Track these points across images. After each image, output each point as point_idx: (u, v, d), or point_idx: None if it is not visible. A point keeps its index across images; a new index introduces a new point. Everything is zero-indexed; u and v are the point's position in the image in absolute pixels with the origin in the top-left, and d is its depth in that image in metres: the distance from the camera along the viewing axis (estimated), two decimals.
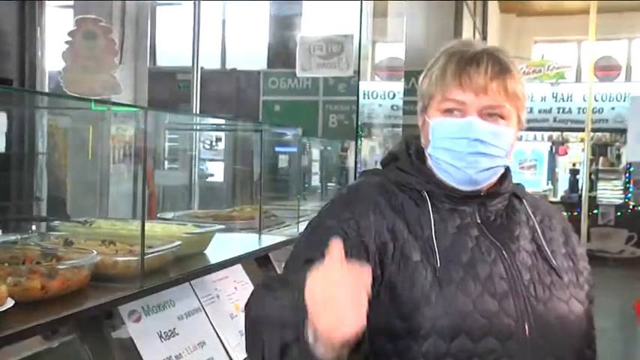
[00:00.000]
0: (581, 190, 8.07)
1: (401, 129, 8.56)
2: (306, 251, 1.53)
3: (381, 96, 10.53)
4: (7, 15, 6.21)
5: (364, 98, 9.85)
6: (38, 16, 6.40)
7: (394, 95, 9.95)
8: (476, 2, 12.83)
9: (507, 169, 1.65)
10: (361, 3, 5.73)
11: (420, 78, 1.62)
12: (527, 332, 1.42)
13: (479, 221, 1.56)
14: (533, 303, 1.46)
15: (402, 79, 8.87)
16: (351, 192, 1.68)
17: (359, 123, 6.93)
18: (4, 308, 1.81)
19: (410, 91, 8.47)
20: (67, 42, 5.90)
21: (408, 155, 1.64)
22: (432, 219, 1.52)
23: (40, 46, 6.48)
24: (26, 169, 5.64)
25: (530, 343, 1.42)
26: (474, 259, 1.48)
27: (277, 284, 1.50)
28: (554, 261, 1.55)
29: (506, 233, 1.56)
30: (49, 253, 2.41)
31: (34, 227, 3.69)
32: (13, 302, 1.86)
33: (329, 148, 8.07)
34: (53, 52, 6.41)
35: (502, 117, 1.51)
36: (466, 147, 1.48)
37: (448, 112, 1.52)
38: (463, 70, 1.49)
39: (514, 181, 1.69)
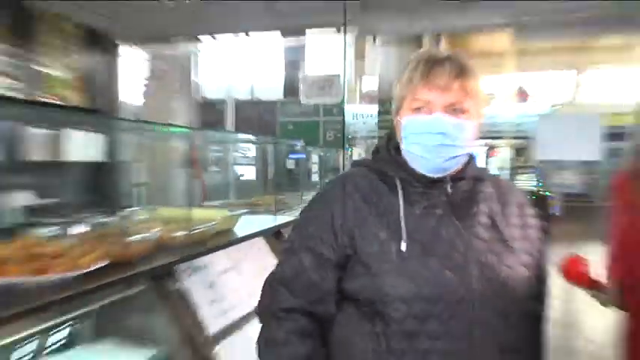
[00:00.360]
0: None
1: (376, 140, 8.65)
2: (296, 237, 1.44)
3: (365, 116, 10.53)
4: (101, 64, 6.24)
5: (353, 118, 9.90)
6: (122, 63, 6.45)
7: (375, 116, 10.01)
8: (431, 45, 12.76)
9: (472, 157, 1.44)
10: (344, 52, 5.81)
11: (394, 84, 1.42)
12: (476, 296, 1.26)
13: (447, 201, 1.36)
14: (483, 271, 1.28)
15: (377, 105, 9.00)
16: (333, 182, 1.49)
17: (346, 136, 7.03)
18: (101, 265, 1.89)
19: (382, 113, 8.53)
20: (143, 83, 6.03)
21: (387, 148, 1.44)
22: (400, 202, 1.35)
23: (124, 85, 6.51)
24: (117, 172, 5.68)
25: (479, 305, 1.26)
26: (435, 236, 1.31)
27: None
28: (505, 232, 1.36)
29: (467, 210, 1.37)
30: (123, 229, 2.48)
31: (124, 212, 3.78)
32: (108, 261, 1.93)
33: (328, 154, 8.13)
34: (133, 89, 6.48)
35: (463, 112, 1.31)
36: (433, 140, 1.30)
37: (417, 110, 1.32)
38: (429, 72, 1.30)
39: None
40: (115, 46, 6.38)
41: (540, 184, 10.71)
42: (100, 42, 6.17)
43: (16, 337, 1.78)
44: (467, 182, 1.40)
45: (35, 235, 2.08)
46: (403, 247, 1.29)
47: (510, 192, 1.47)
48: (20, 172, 5.32)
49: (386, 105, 8.87)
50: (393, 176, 1.39)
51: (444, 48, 13.64)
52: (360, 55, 9.51)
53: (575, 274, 1.90)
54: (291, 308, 1.37)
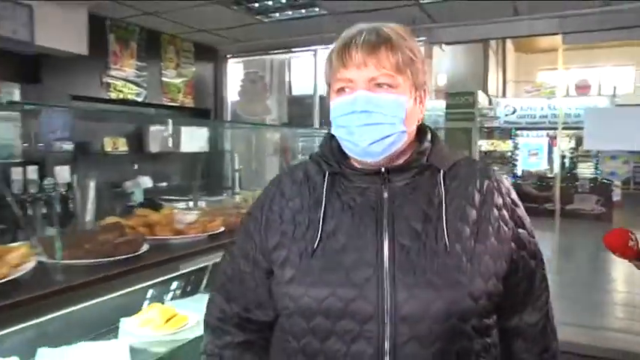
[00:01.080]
0: (557, 168, 8.00)
1: (443, 131, 8.77)
2: (238, 237, 1.22)
3: (437, 109, 10.58)
4: (207, 71, 6.74)
5: (427, 110, 10.06)
6: (224, 69, 6.89)
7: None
8: (498, 43, 12.66)
9: (430, 142, 1.13)
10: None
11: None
12: (386, 317, 0.98)
13: (386, 197, 1.07)
14: (402, 283, 0.99)
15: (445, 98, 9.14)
16: (274, 178, 1.24)
17: None
18: (220, 231, 2.26)
19: (450, 106, 8.62)
20: (240, 85, 6.51)
21: (330, 138, 1.16)
22: (323, 200, 1.09)
23: (225, 87, 6.96)
24: (219, 160, 6.09)
25: (392, 325, 0.98)
26: (351, 241, 1.04)
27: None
28: (446, 235, 1.02)
29: (402, 208, 1.06)
30: (234, 205, 2.85)
31: (224, 194, 4.22)
32: (223, 228, 2.30)
33: None
34: (232, 91, 6.97)
35: (391, 86, 1.03)
36: (356, 120, 1.03)
37: (341, 91, 1.06)
38: (344, 49, 1.05)
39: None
40: (220, 56, 6.87)
41: (599, 172, 10.51)
42: (208, 54, 6.70)
43: (160, 279, 2.18)
44: (409, 174, 1.10)
45: (174, 207, 2.54)
46: (310, 252, 1.05)
47: (477, 179, 1.12)
48: (144, 161, 5.95)
49: (454, 98, 9.00)
50: (324, 170, 1.14)
51: (508, 47, 13.52)
52: (428, 54, 9.67)
53: (621, 247, 1.70)
54: (225, 318, 1.20)
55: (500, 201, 1.10)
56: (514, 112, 12.46)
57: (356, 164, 1.12)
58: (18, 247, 1.61)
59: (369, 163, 1.08)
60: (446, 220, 1.04)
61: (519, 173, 12.16)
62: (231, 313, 1.19)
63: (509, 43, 13.34)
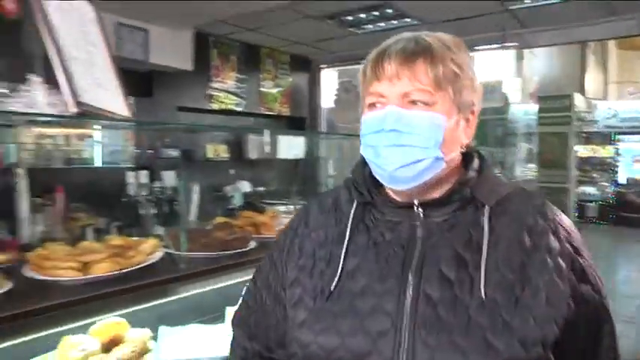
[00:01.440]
0: None
1: (537, 135, 8.56)
2: (262, 267, 1.13)
3: (530, 113, 10.28)
4: (302, 81, 6.99)
5: (525, 115, 9.82)
6: (318, 79, 7.11)
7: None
8: (596, 42, 12.03)
9: (470, 170, 0.96)
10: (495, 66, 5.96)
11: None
12: None
13: (419, 236, 0.92)
14: (421, 344, 0.83)
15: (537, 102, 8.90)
16: (300, 209, 1.12)
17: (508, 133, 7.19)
18: None
19: (543, 109, 8.42)
20: (334, 94, 6.74)
21: (363, 162, 1.00)
22: (347, 236, 0.96)
23: (319, 96, 7.17)
24: (313, 167, 6.40)
25: None
26: (368, 288, 0.90)
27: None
28: (482, 287, 0.85)
29: (438, 250, 0.90)
30: None
31: None
32: None
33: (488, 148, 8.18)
34: (325, 99, 7.19)
35: (427, 104, 0.88)
36: (384, 140, 0.89)
37: (372, 106, 0.93)
38: (378, 60, 0.92)
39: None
40: (314, 67, 7.12)
41: None
42: (303, 64, 6.98)
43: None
44: (451, 207, 0.94)
45: (276, 210, 2.77)
46: (326, 294, 0.94)
47: (528, 218, 0.93)
48: (243, 167, 6.29)
49: (547, 102, 8.76)
50: (353, 199, 1.01)
51: (610, 46, 12.81)
52: (520, 57, 9.45)
53: None
54: (247, 357, 1.11)
55: (556, 246, 0.90)
56: (615, 116, 11.86)
57: (391, 194, 0.98)
58: (148, 239, 1.89)
59: (401, 191, 0.94)
60: (485, 268, 0.86)
61: (621, 181, 11.54)
62: (253, 352, 1.10)
63: (610, 42, 12.65)
